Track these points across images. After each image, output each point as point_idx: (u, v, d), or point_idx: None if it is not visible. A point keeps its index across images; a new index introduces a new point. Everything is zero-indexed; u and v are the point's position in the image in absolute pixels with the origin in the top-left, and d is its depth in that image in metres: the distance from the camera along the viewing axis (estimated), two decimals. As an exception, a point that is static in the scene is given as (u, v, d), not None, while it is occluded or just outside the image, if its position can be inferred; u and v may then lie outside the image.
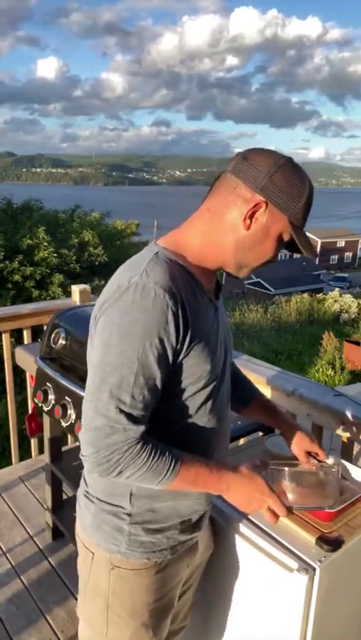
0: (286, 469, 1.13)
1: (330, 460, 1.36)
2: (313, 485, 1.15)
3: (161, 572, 1.17)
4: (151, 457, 0.99)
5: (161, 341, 0.96)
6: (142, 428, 0.99)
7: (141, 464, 0.99)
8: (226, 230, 1.06)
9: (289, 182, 1.02)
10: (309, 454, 1.35)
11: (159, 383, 1.00)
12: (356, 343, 12.14)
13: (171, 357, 0.99)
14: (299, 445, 1.36)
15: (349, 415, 1.77)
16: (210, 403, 1.11)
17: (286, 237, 1.07)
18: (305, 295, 21.16)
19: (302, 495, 1.14)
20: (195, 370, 1.04)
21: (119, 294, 0.98)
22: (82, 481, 1.23)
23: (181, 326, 0.98)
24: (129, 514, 1.11)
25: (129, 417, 0.97)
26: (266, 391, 2.09)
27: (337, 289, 24.42)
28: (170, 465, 1.01)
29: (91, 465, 1.00)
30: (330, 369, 11.62)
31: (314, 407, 1.89)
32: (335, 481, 1.15)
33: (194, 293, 1.05)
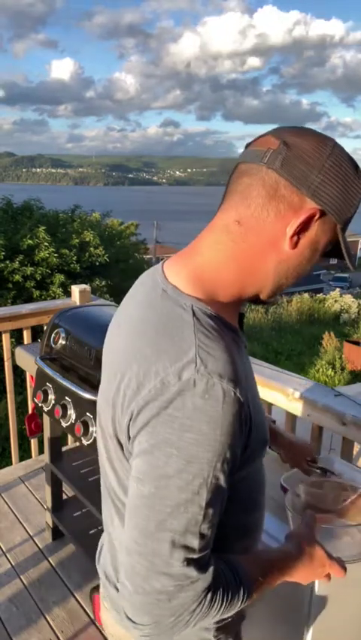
0: (325, 525, 1.11)
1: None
2: (350, 533, 1.17)
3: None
4: (225, 600, 0.75)
5: (233, 451, 0.70)
6: (211, 570, 0.72)
7: (215, 613, 0.75)
8: (264, 250, 0.77)
9: (344, 178, 0.74)
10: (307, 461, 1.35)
11: (225, 496, 0.74)
12: (356, 343, 12.15)
13: (239, 458, 0.74)
14: (299, 459, 1.34)
15: (349, 415, 1.77)
16: (260, 474, 0.90)
17: (329, 247, 0.81)
18: (306, 295, 21.16)
19: (346, 544, 1.14)
20: (253, 450, 0.78)
21: (169, 397, 0.68)
22: (113, 591, 0.90)
23: (248, 415, 0.72)
24: (209, 627, 0.91)
25: (198, 564, 0.71)
26: (266, 391, 2.09)
27: (337, 289, 24.43)
28: (242, 597, 0.77)
29: (149, 639, 0.74)
30: (330, 369, 11.63)
31: (314, 407, 1.89)
32: None
33: (240, 351, 0.78)
